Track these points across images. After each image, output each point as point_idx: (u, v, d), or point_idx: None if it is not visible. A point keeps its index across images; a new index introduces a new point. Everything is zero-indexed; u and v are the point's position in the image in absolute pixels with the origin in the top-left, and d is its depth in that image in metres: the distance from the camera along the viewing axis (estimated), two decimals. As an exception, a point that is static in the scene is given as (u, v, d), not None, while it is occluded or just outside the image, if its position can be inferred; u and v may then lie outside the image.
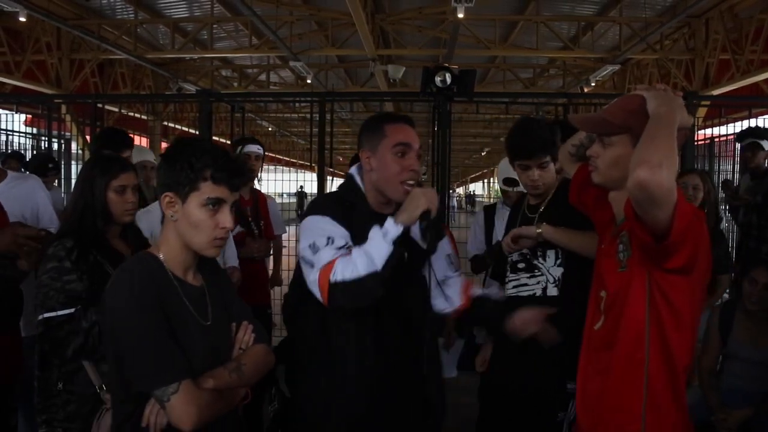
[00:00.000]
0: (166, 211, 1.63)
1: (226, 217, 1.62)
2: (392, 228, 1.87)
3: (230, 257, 3.33)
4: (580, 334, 2.28)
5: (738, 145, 6.29)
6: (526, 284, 2.48)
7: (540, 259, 2.46)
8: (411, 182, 2.00)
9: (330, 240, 1.91)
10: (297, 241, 2.07)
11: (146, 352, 1.52)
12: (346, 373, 2.01)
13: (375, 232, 1.88)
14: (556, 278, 2.43)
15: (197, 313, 1.65)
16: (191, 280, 1.69)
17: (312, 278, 1.90)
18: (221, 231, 1.63)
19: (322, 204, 2.09)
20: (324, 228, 1.95)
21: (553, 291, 2.43)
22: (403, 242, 1.91)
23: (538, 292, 2.45)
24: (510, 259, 2.55)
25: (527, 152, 2.44)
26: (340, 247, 1.91)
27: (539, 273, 2.47)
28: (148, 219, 2.70)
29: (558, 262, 2.43)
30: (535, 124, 2.52)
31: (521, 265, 2.50)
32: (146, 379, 1.52)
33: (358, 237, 1.94)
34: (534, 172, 2.45)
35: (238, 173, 1.65)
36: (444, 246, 2.25)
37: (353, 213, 2.02)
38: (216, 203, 1.61)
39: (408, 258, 2.03)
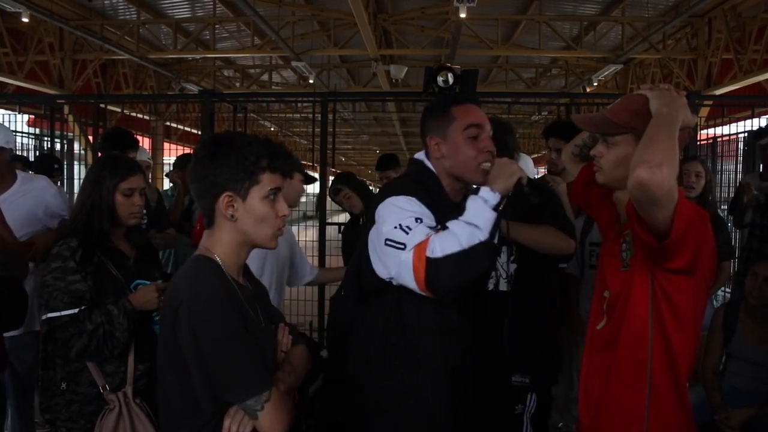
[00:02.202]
0: (225, 211, 1.54)
1: (283, 205, 1.59)
2: (491, 196, 1.76)
3: None
4: (527, 328, 2.39)
5: (741, 145, 6.29)
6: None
7: None
8: (488, 164, 1.90)
9: (419, 220, 1.77)
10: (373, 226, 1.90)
11: (238, 361, 1.46)
12: (427, 373, 1.92)
13: (474, 201, 1.77)
14: (509, 274, 2.44)
15: (254, 316, 1.59)
16: (243, 282, 1.64)
17: (404, 259, 1.71)
18: (281, 220, 1.59)
19: (403, 186, 1.94)
20: (411, 209, 1.81)
21: (504, 286, 2.44)
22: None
23: (490, 287, 2.45)
24: None
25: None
26: (431, 227, 1.77)
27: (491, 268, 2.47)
28: None
29: (512, 258, 2.45)
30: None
31: None
32: (241, 390, 1.45)
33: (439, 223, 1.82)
34: None
35: (289, 158, 1.64)
36: None
37: (431, 198, 1.90)
38: (275, 193, 1.57)
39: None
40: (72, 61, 10.99)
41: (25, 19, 8.06)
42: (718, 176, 6.42)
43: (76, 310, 2.06)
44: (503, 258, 2.47)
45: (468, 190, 1.95)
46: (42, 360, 2.21)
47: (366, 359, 1.98)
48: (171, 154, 5.84)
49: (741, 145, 6.33)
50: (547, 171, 3.87)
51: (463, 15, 7.44)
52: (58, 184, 5.46)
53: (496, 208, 1.74)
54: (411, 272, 1.70)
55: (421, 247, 1.69)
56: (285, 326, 1.75)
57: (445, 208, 1.86)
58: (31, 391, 3.20)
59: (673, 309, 1.63)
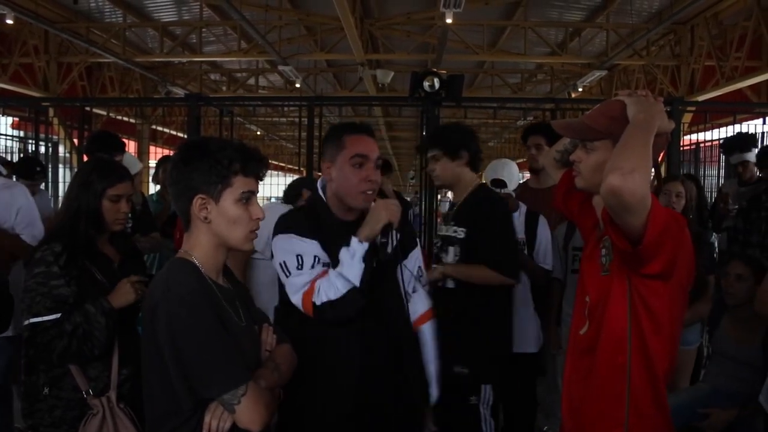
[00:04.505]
0: (199, 213, 1.59)
1: (257, 208, 1.63)
2: (358, 247, 1.95)
3: None
4: (469, 323, 2.67)
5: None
6: None
7: (443, 254, 2.80)
8: (370, 191, 2.05)
9: (299, 258, 1.99)
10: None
11: (214, 357, 1.49)
12: (333, 381, 2.04)
13: (344, 255, 1.96)
14: None
15: (235, 315, 1.64)
16: (223, 283, 1.68)
17: (295, 299, 2.00)
18: (255, 223, 1.63)
19: (286, 221, 2.13)
20: (290, 247, 2.02)
21: (450, 284, 2.76)
22: (373, 251, 2.00)
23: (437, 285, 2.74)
24: None
25: (422, 147, 2.84)
26: (312, 266, 1.99)
27: (441, 266, 2.79)
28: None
29: (456, 258, 2.78)
30: (446, 126, 2.93)
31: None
32: (217, 384, 1.49)
33: (327, 244, 2.03)
34: (430, 164, 2.83)
35: (263, 162, 1.67)
36: (416, 257, 2.33)
37: (319, 222, 2.08)
38: (248, 196, 1.61)
39: (378, 265, 2.05)
40: (57, 63, 10.90)
41: (9, 21, 8.00)
42: (701, 181, 6.50)
43: (58, 315, 2.05)
44: (449, 258, 2.77)
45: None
46: (24, 365, 2.20)
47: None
48: (157, 158, 5.83)
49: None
50: (529, 168, 3.96)
51: (449, 20, 7.48)
52: (42, 187, 5.43)
53: (365, 258, 1.94)
54: (303, 309, 1.99)
55: (308, 292, 1.96)
56: (269, 326, 1.79)
57: (333, 227, 2.06)
58: (9, 396, 3.17)
59: (649, 313, 1.65)
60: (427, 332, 2.29)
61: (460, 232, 2.78)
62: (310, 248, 2.02)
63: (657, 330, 1.66)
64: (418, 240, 2.43)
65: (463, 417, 2.66)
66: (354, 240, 1.96)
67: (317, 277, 1.97)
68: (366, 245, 1.95)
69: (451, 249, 2.77)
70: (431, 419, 2.32)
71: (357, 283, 1.93)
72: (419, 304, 2.29)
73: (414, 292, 2.30)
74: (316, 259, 2.00)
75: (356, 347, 2.05)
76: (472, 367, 2.67)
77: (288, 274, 2.00)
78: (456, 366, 2.60)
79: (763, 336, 3.00)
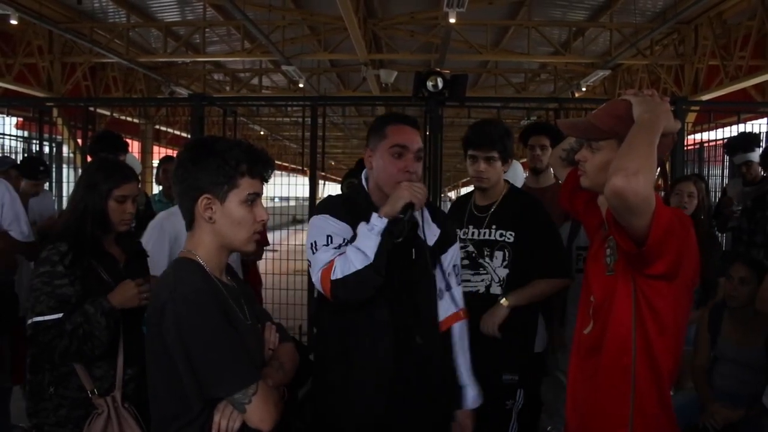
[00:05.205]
0: (204, 213, 1.59)
1: (261, 210, 1.63)
2: (377, 221, 1.95)
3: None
4: (516, 329, 2.58)
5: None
6: (468, 280, 2.63)
7: (487, 259, 2.67)
8: (407, 183, 2.03)
9: (329, 239, 2.01)
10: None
11: (224, 356, 1.49)
12: (363, 368, 2.05)
13: (362, 228, 1.97)
14: (501, 278, 2.64)
15: (240, 313, 1.63)
16: (226, 281, 1.68)
17: (315, 278, 2.00)
18: (259, 224, 1.63)
19: (325, 203, 2.18)
20: (323, 227, 2.05)
21: (496, 290, 2.63)
22: (409, 239, 2.02)
23: (482, 290, 2.65)
24: None
25: (476, 142, 2.63)
26: (338, 246, 2.00)
27: (484, 272, 2.66)
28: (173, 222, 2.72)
29: (505, 263, 2.64)
30: (492, 123, 2.74)
31: (465, 262, 2.64)
32: (227, 383, 1.49)
33: None
34: (480, 164, 2.63)
35: (270, 163, 1.66)
36: (453, 254, 2.28)
37: (357, 209, 2.09)
38: (254, 198, 1.61)
39: (416, 254, 2.09)
40: (61, 63, 10.92)
41: (13, 22, 8.01)
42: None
43: (60, 315, 2.05)
44: (496, 263, 2.63)
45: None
46: (29, 364, 2.21)
47: (319, 354, 2.20)
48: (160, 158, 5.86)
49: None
50: (530, 168, 3.94)
51: (452, 20, 7.46)
52: (46, 186, 5.44)
53: (383, 233, 1.94)
54: (322, 289, 1.99)
55: (327, 269, 1.96)
56: (272, 325, 1.80)
57: (370, 216, 2.01)
58: (4, 395, 3.17)
59: (654, 314, 1.65)
60: (457, 333, 2.25)
61: (509, 236, 2.64)
62: (342, 230, 2.04)
63: (661, 330, 1.66)
64: (458, 238, 2.40)
65: (496, 422, 2.58)
66: (374, 215, 1.97)
67: (338, 255, 1.97)
68: (385, 221, 1.95)
69: (499, 254, 2.64)
70: (471, 421, 2.26)
71: (372, 257, 1.91)
72: (450, 305, 2.25)
73: (448, 289, 2.25)
74: (345, 241, 2.01)
75: (388, 346, 2.04)
76: (520, 375, 2.60)
77: (315, 250, 2.01)
78: (505, 374, 2.54)
79: (765, 338, 3.00)
